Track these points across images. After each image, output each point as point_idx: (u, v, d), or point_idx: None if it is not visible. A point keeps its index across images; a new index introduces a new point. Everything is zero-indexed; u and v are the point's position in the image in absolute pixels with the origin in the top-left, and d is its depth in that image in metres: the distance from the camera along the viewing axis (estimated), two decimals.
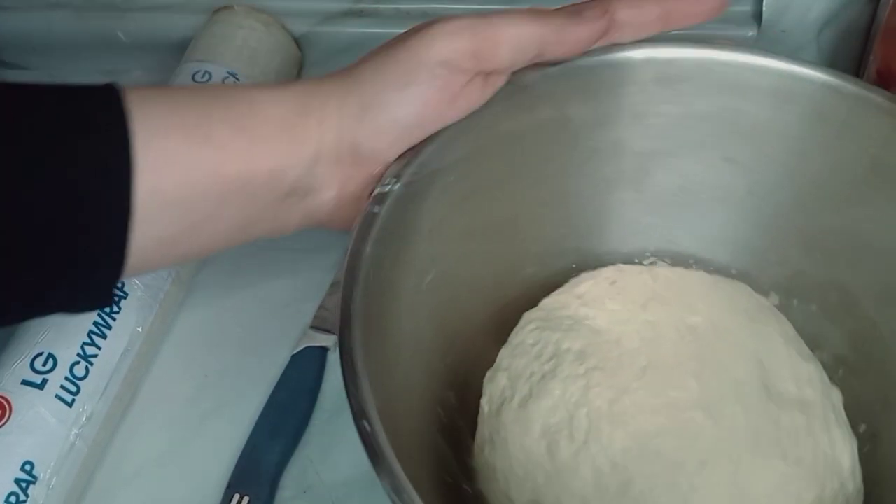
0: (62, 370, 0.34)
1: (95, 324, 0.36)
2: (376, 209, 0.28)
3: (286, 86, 0.30)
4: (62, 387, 0.34)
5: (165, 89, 0.29)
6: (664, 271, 0.36)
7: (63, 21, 0.48)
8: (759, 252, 0.36)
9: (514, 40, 0.29)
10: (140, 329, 0.37)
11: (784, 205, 0.35)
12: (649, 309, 0.35)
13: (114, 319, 0.36)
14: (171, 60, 0.46)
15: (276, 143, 0.28)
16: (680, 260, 0.37)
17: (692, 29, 0.46)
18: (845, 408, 0.34)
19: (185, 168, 0.27)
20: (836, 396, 0.34)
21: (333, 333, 0.39)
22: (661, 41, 0.32)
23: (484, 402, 0.33)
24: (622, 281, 0.36)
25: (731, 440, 0.31)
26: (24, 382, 0.34)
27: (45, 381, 0.34)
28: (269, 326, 0.40)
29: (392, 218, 0.28)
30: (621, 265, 0.36)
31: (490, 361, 0.34)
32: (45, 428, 0.33)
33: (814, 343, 0.35)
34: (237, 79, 0.44)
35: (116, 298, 0.37)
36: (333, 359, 0.39)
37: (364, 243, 0.27)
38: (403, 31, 0.47)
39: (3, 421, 0.33)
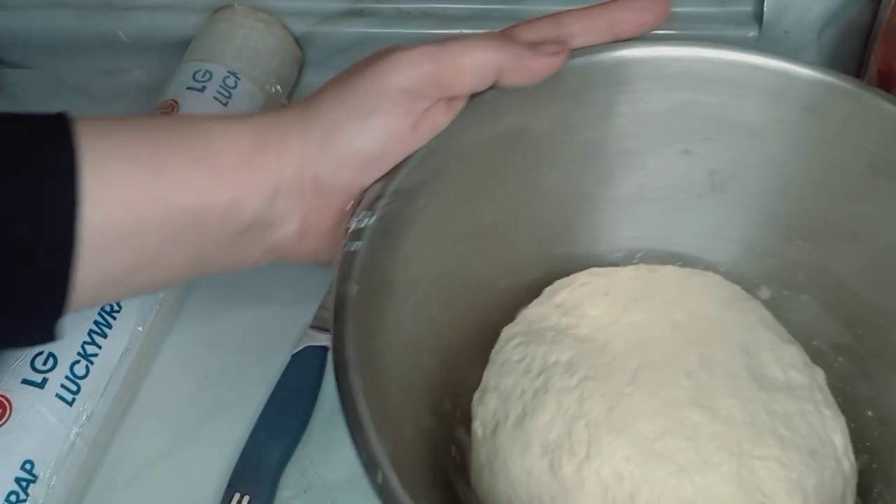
0: (62, 369, 0.34)
1: (96, 323, 0.36)
2: (355, 246, 0.28)
3: (245, 118, 0.29)
4: (62, 386, 0.34)
5: (119, 120, 0.28)
6: (637, 270, 0.36)
7: (64, 20, 0.48)
8: (745, 245, 0.36)
9: (475, 67, 0.29)
10: (141, 328, 0.37)
11: (766, 197, 0.35)
12: (630, 310, 0.34)
13: (114, 318, 0.36)
14: (171, 60, 0.46)
15: (233, 177, 0.28)
16: (660, 259, 0.37)
17: (693, 29, 0.47)
18: (850, 396, 0.34)
19: (137, 201, 0.26)
20: (820, 376, 0.34)
21: None
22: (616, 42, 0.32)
23: (476, 425, 0.33)
24: (597, 285, 0.35)
25: (730, 434, 0.31)
26: (25, 381, 0.34)
27: (45, 380, 0.34)
28: (269, 326, 0.40)
29: (371, 253, 0.28)
30: (594, 269, 0.36)
31: (476, 382, 0.34)
32: (45, 427, 0.33)
33: (809, 333, 0.35)
34: (238, 78, 0.44)
35: None
36: None
37: (348, 283, 0.27)
38: (403, 31, 0.48)
39: (4, 420, 0.33)
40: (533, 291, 0.36)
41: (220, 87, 0.43)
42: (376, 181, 0.29)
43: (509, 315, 0.35)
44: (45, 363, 0.34)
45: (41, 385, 0.34)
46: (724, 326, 0.34)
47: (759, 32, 0.46)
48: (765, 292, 0.36)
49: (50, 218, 0.25)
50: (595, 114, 0.33)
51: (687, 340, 0.33)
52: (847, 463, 0.32)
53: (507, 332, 0.35)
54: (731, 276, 0.36)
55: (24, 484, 0.32)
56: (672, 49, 0.32)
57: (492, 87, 0.30)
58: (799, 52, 0.46)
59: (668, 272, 0.36)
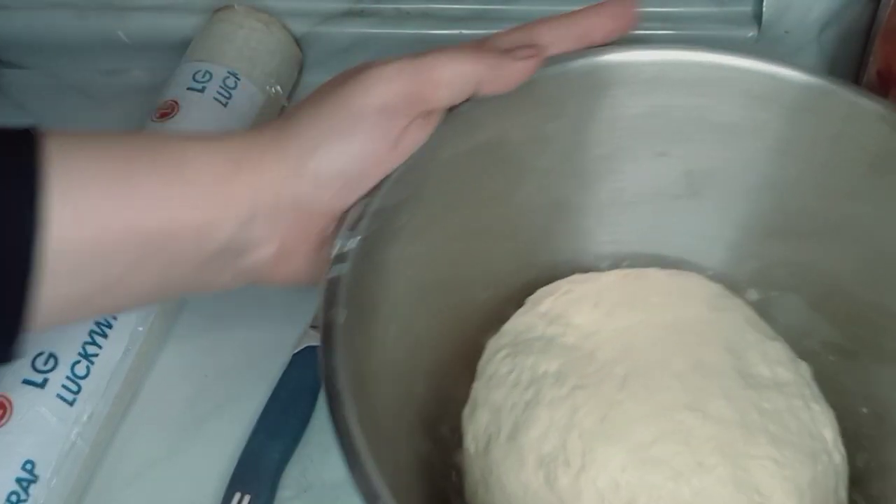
0: (63, 369, 0.34)
1: (97, 323, 0.36)
2: (339, 270, 0.28)
3: (220, 139, 0.29)
4: (63, 386, 0.34)
5: (89, 136, 0.27)
6: (618, 275, 0.36)
7: (64, 21, 0.48)
8: (730, 248, 0.36)
9: (452, 80, 0.29)
10: (141, 328, 0.37)
11: (745, 197, 0.35)
12: (615, 316, 0.34)
13: (115, 318, 0.36)
14: (171, 60, 0.46)
15: (206, 200, 0.27)
16: (645, 264, 0.37)
17: (692, 30, 0.47)
18: (843, 394, 0.34)
19: (104, 222, 0.25)
20: (805, 370, 0.34)
21: None
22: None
23: (468, 441, 0.32)
24: (581, 292, 0.35)
25: (723, 435, 0.31)
26: (25, 381, 0.34)
27: (46, 381, 0.34)
28: (269, 326, 0.40)
29: (355, 276, 0.28)
30: (576, 275, 0.36)
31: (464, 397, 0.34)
32: (45, 427, 0.33)
33: (800, 333, 0.35)
34: (238, 78, 0.44)
35: None
36: None
37: (335, 309, 0.27)
38: (403, 31, 0.48)
39: (4, 420, 0.33)
40: (517, 301, 0.36)
41: (220, 87, 0.43)
42: (357, 202, 0.29)
43: (494, 327, 0.35)
44: (45, 363, 0.34)
45: (42, 385, 0.34)
46: (710, 327, 0.34)
47: (759, 32, 0.46)
48: (753, 294, 0.36)
49: (9, 238, 0.24)
50: (571, 121, 0.33)
51: (674, 343, 0.33)
52: (838, 456, 0.32)
53: (493, 344, 0.35)
54: (719, 279, 0.36)
55: (24, 484, 0.32)
56: (645, 54, 0.33)
57: (468, 99, 0.30)
58: (798, 52, 0.46)
59: (650, 275, 0.36)
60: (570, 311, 0.35)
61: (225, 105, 0.43)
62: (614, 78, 0.33)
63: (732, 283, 0.36)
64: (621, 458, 0.30)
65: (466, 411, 0.33)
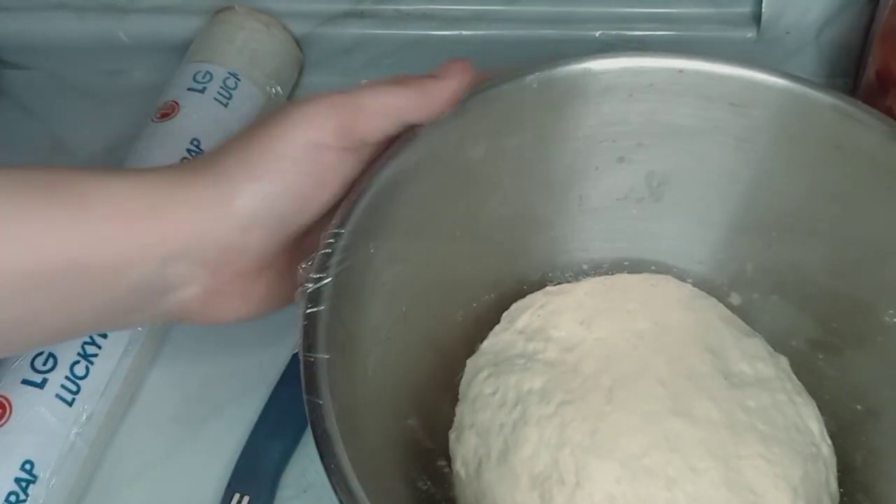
0: (62, 369, 0.34)
1: None
2: (314, 310, 0.27)
3: (140, 175, 0.28)
4: (62, 386, 0.34)
5: None
6: (591, 283, 0.36)
7: (64, 21, 0.48)
8: (706, 251, 0.36)
9: (380, 111, 0.29)
10: (140, 328, 0.37)
11: (714, 198, 0.35)
12: (594, 327, 0.34)
13: None
14: (172, 61, 0.46)
15: (115, 238, 0.26)
16: (622, 269, 0.37)
17: (690, 31, 0.47)
18: (836, 393, 0.34)
19: (5, 259, 0.25)
20: (785, 363, 0.34)
21: None
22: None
23: (458, 466, 0.32)
24: (557, 304, 0.35)
25: (712, 438, 0.31)
26: (25, 382, 0.34)
27: (45, 381, 0.34)
28: (269, 326, 0.39)
29: (331, 314, 0.28)
30: (549, 287, 0.36)
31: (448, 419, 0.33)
32: (45, 427, 0.33)
33: (786, 333, 0.35)
34: (238, 79, 0.44)
35: None
36: None
37: (315, 351, 0.27)
38: (403, 32, 0.48)
39: (4, 420, 0.33)
40: (493, 317, 0.35)
41: (221, 88, 0.43)
42: (325, 239, 0.29)
43: (472, 346, 0.35)
44: (44, 363, 0.34)
45: (41, 385, 0.34)
46: (687, 329, 0.34)
47: (758, 34, 0.46)
48: (735, 298, 0.37)
49: None
50: (530, 135, 0.33)
51: (654, 349, 0.33)
52: (826, 447, 0.32)
53: (472, 364, 0.34)
54: (701, 285, 0.37)
55: (23, 484, 0.32)
56: (597, 63, 0.33)
57: (421, 125, 0.30)
58: (797, 52, 0.46)
59: (623, 281, 0.36)
60: (548, 325, 0.35)
61: (225, 106, 0.43)
62: (569, 89, 0.33)
63: (715, 289, 0.36)
64: (615, 471, 0.30)
65: (453, 435, 0.33)
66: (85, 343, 0.35)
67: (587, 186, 0.36)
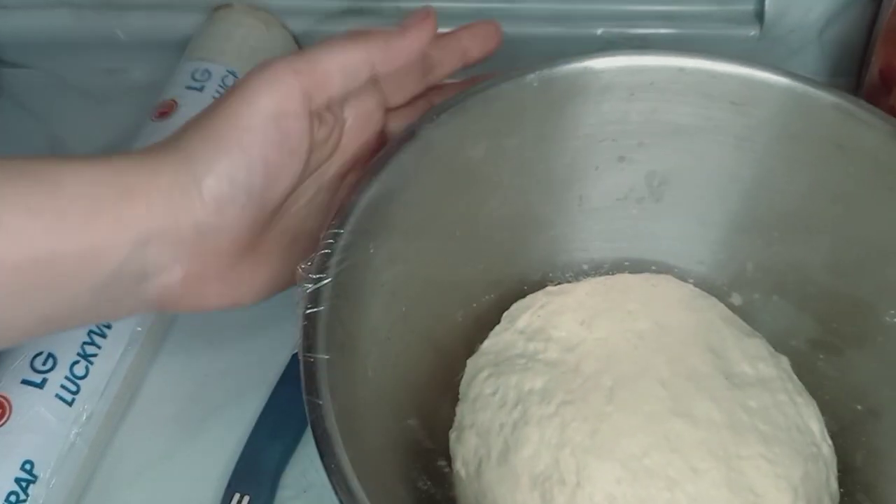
0: (62, 369, 0.34)
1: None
2: (314, 310, 0.27)
3: (105, 161, 0.27)
4: (62, 386, 0.34)
5: None
6: (592, 283, 0.36)
7: (63, 19, 0.48)
8: (706, 250, 0.36)
9: (343, 66, 0.28)
10: (140, 328, 0.37)
11: (714, 198, 0.35)
12: (594, 327, 0.34)
13: None
14: (170, 59, 0.45)
15: (86, 227, 0.25)
16: (622, 269, 0.37)
17: (693, 29, 0.46)
18: (836, 393, 0.34)
19: None
20: (786, 363, 0.34)
21: None
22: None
23: (458, 466, 0.32)
24: (557, 304, 0.35)
25: (713, 438, 0.31)
26: (24, 382, 0.34)
27: (45, 381, 0.34)
28: (269, 326, 0.40)
29: (331, 314, 0.28)
30: (549, 287, 0.36)
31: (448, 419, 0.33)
32: (45, 427, 0.33)
33: (786, 333, 0.35)
34: (237, 77, 0.44)
35: None
36: None
37: (315, 352, 0.27)
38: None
39: (3, 420, 0.33)
40: (493, 317, 0.35)
41: (220, 86, 0.43)
42: (325, 239, 0.28)
43: (472, 347, 0.35)
44: (44, 363, 0.34)
45: (41, 385, 0.34)
46: (688, 329, 0.34)
47: (761, 32, 0.46)
48: (736, 298, 0.37)
49: None
50: (529, 134, 0.33)
51: (655, 349, 0.33)
52: (826, 447, 0.32)
53: (472, 364, 0.34)
54: (702, 285, 0.36)
55: (23, 484, 0.32)
56: (597, 62, 0.33)
57: (421, 125, 0.30)
58: (800, 51, 0.46)
59: (623, 281, 0.36)
60: (548, 325, 0.34)
61: None
62: (569, 88, 0.33)
63: (715, 289, 0.36)
64: (615, 471, 0.30)
65: (453, 435, 0.33)
66: (85, 343, 0.35)
67: (587, 186, 0.36)
